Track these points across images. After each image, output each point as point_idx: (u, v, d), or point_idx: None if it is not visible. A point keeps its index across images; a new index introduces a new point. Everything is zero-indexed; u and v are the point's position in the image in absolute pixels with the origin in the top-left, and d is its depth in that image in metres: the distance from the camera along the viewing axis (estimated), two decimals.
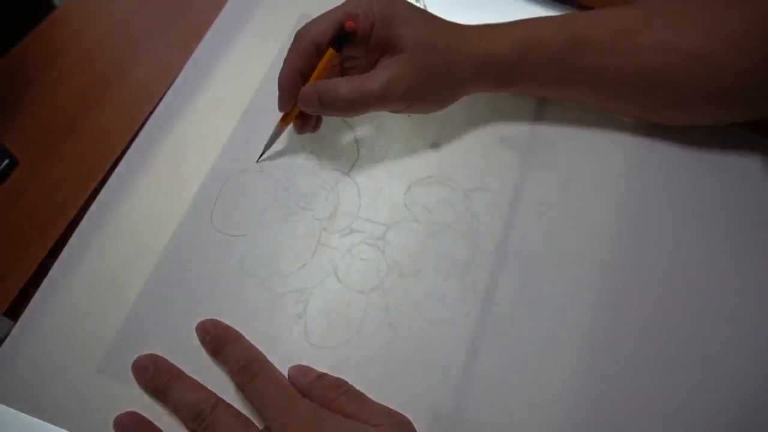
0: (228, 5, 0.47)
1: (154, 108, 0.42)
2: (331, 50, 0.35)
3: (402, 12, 0.35)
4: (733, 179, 0.41)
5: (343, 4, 0.36)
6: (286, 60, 0.36)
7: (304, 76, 0.36)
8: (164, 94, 0.43)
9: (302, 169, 0.40)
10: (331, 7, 0.46)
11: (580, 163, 0.41)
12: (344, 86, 0.34)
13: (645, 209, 0.40)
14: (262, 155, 0.40)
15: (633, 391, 0.35)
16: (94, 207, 0.38)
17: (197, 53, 0.45)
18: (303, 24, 0.36)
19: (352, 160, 0.41)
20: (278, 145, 0.41)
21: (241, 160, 0.40)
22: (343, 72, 0.39)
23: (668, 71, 0.37)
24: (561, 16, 0.39)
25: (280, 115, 0.38)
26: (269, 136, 0.39)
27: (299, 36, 0.36)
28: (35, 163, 0.41)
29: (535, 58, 0.37)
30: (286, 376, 0.33)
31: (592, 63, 0.37)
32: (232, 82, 0.43)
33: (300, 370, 0.33)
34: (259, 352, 0.34)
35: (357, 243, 0.38)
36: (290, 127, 0.39)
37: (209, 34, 0.46)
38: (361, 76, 0.35)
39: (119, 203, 0.38)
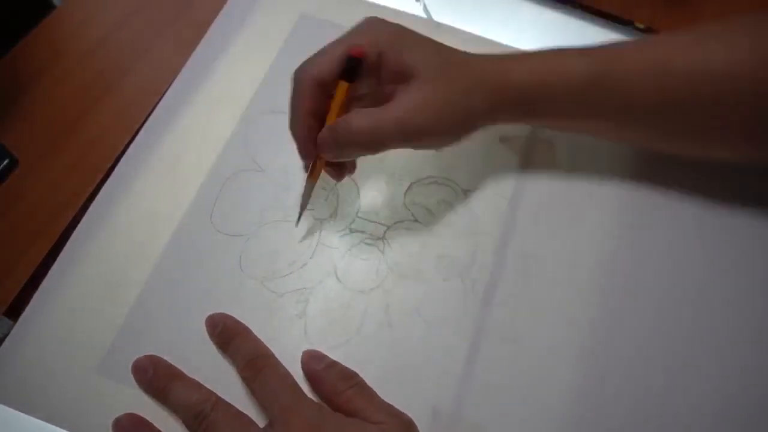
0: (228, 5, 0.47)
1: (154, 108, 0.42)
2: (342, 83, 0.31)
3: (410, 39, 0.33)
4: (738, 180, 0.41)
5: (342, 37, 0.33)
6: (291, 107, 0.33)
7: (318, 120, 0.32)
8: (164, 94, 0.43)
9: (302, 169, 0.40)
10: (332, 8, 0.46)
11: (580, 163, 0.41)
12: (357, 119, 0.31)
13: (646, 209, 0.40)
14: (299, 218, 0.37)
15: (632, 391, 0.35)
16: (94, 207, 0.38)
17: (197, 53, 0.45)
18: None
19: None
20: (279, 145, 0.41)
21: (241, 160, 0.40)
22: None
23: (707, 95, 0.33)
24: (584, 46, 0.35)
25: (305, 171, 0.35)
26: (302, 195, 0.36)
27: (300, 77, 0.32)
28: (35, 163, 0.41)
29: (559, 87, 0.34)
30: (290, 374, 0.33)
31: (621, 91, 0.34)
32: (231, 82, 0.43)
33: (313, 355, 0.34)
34: (266, 348, 0.34)
35: (357, 243, 0.38)
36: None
37: (209, 34, 0.46)
38: (376, 108, 0.31)
39: (119, 203, 0.38)
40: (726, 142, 0.35)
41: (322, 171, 0.35)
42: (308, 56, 0.44)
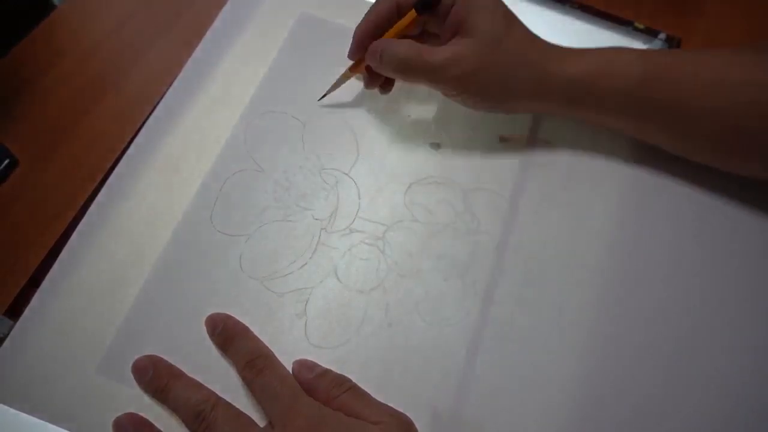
0: (228, 5, 0.47)
1: (154, 108, 0.42)
2: (412, 11, 0.35)
3: (485, 1, 0.35)
4: (737, 178, 0.41)
5: None
6: (366, 13, 0.37)
7: (380, 33, 0.37)
8: (164, 94, 0.43)
9: (302, 169, 0.40)
10: (332, 7, 0.47)
11: (580, 163, 0.41)
12: (404, 48, 0.35)
13: (645, 209, 0.40)
14: (323, 96, 0.42)
15: (632, 390, 0.35)
16: (94, 207, 0.38)
17: (197, 53, 0.45)
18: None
19: (352, 160, 0.41)
20: (279, 145, 0.41)
21: (241, 160, 0.40)
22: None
23: (760, 110, 0.33)
24: (640, 49, 0.37)
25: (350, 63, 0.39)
26: (336, 79, 0.41)
27: None
28: (35, 163, 0.41)
29: (609, 85, 0.35)
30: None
31: (671, 96, 0.35)
32: (231, 82, 0.43)
33: (304, 365, 0.34)
34: (266, 348, 0.34)
35: (357, 243, 0.38)
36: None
37: (209, 34, 0.46)
38: (424, 45, 0.35)
39: (119, 203, 0.38)
40: None
41: (361, 75, 0.40)
42: (308, 56, 0.44)
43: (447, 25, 0.36)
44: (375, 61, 0.36)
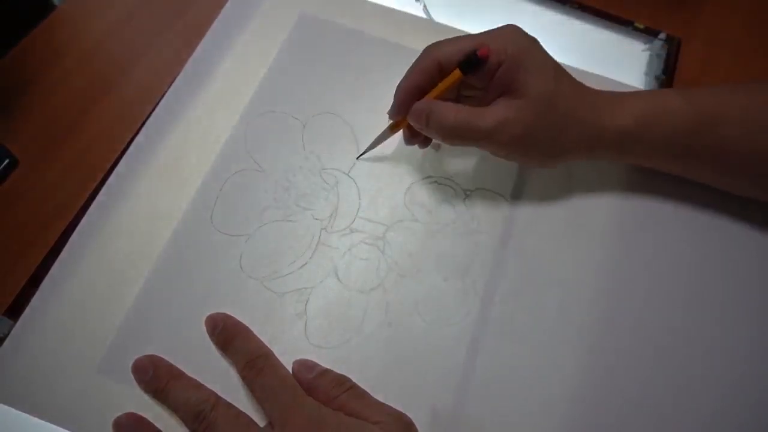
0: (228, 5, 0.47)
1: (154, 108, 0.42)
2: (456, 71, 0.34)
3: (535, 60, 0.34)
4: None
5: (477, 34, 0.35)
6: (408, 72, 0.36)
7: (422, 92, 0.35)
8: (164, 94, 0.43)
9: (302, 169, 0.40)
10: (332, 7, 0.47)
11: (580, 163, 0.41)
12: (453, 113, 0.34)
13: (645, 208, 0.40)
14: (363, 153, 0.40)
15: (631, 389, 0.35)
16: (94, 207, 0.38)
17: (197, 53, 0.45)
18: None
19: (352, 160, 0.41)
20: (279, 145, 0.41)
21: (241, 160, 0.40)
22: (459, 100, 0.38)
23: None
24: (685, 90, 0.36)
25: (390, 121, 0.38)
26: (376, 137, 0.39)
27: (426, 52, 0.35)
28: (35, 163, 0.41)
29: (659, 132, 0.35)
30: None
31: (722, 139, 0.35)
32: (231, 82, 0.43)
33: (304, 365, 0.34)
34: (266, 348, 0.34)
35: (357, 243, 0.38)
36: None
37: (209, 34, 0.46)
38: (473, 109, 0.34)
39: (119, 203, 0.38)
40: None
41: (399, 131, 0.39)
42: (308, 56, 0.44)
43: (495, 84, 0.34)
44: (420, 124, 0.35)
